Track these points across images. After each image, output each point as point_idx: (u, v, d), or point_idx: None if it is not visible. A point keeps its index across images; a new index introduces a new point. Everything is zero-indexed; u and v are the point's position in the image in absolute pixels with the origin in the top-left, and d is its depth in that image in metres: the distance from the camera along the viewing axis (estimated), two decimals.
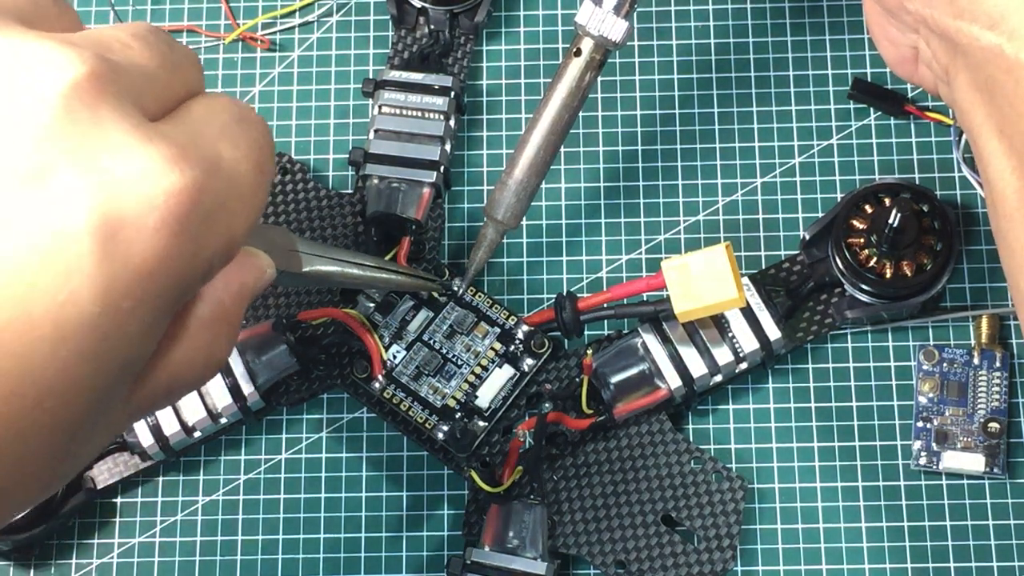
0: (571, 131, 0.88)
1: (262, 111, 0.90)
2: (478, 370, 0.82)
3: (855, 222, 0.82)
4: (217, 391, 0.81)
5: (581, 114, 0.89)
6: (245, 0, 0.93)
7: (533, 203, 0.87)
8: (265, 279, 0.57)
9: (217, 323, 0.51)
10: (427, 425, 0.82)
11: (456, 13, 0.89)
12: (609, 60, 0.90)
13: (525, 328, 0.83)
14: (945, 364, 0.83)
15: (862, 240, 0.81)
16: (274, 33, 0.92)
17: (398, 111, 0.86)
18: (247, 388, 0.81)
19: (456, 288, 0.83)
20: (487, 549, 0.79)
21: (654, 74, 0.90)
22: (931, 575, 0.81)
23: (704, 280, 0.77)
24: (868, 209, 0.82)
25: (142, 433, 0.81)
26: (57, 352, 0.44)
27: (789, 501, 0.82)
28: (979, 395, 0.82)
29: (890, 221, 0.79)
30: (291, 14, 0.92)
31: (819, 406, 0.84)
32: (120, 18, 0.92)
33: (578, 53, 0.79)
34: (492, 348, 0.83)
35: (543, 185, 0.88)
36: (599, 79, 0.80)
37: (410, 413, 0.82)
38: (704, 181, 0.88)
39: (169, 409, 0.80)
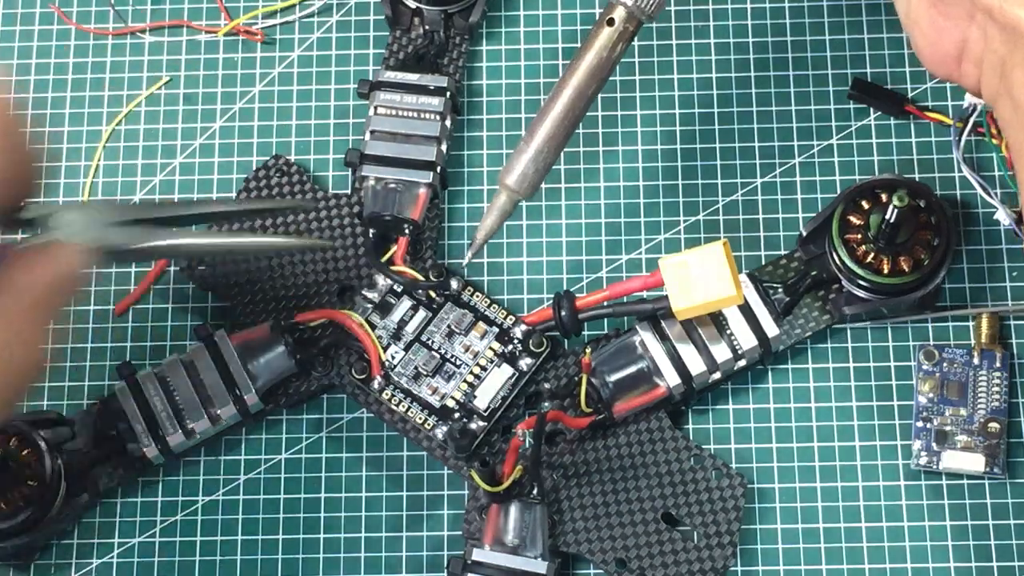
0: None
1: (262, 111, 0.90)
2: (477, 370, 0.82)
3: (852, 218, 0.82)
4: (216, 394, 0.81)
5: None
6: (245, 0, 0.93)
7: (533, 203, 0.87)
8: (71, 270, 0.57)
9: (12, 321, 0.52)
10: (426, 425, 0.82)
11: (451, 13, 0.89)
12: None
13: (523, 327, 0.83)
14: (945, 364, 0.83)
15: (859, 236, 0.81)
16: (273, 27, 0.92)
17: (394, 112, 0.86)
18: (246, 390, 0.81)
19: (456, 285, 0.83)
20: (487, 549, 0.79)
21: (654, 74, 0.90)
22: (931, 575, 0.81)
23: (702, 277, 0.77)
24: (865, 205, 0.82)
25: (141, 437, 0.81)
26: None
27: (789, 501, 0.82)
28: (979, 395, 0.82)
29: (887, 216, 0.79)
30: (287, 10, 0.92)
31: (819, 406, 0.84)
32: (121, 17, 0.92)
33: (611, 22, 0.78)
34: (491, 348, 0.83)
35: (543, 186, 0.88)
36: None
37: (409, 413, 0.82)
38: (704, 181, 0.88)
39: (169, 411, 0.80)
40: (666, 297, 0.78)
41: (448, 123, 0.86)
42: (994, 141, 0.85)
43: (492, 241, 0.87)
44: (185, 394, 0.81)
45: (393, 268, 0.83)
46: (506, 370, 0.82)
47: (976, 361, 0.83)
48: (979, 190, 0.86)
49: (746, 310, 0.81)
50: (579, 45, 0.79)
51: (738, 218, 0.87)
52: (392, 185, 0.85)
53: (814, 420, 0.83)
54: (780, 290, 0.83)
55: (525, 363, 0.82)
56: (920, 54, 0.73)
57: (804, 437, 0.83)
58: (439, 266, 0.84)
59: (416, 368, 0.82)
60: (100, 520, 0.83)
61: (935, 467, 0.81)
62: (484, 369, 0.82)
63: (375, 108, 0.86)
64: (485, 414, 0.81)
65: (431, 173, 0.84)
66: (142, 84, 0.91)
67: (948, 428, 0.82)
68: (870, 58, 0.90)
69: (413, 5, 0.89)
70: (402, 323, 0.83)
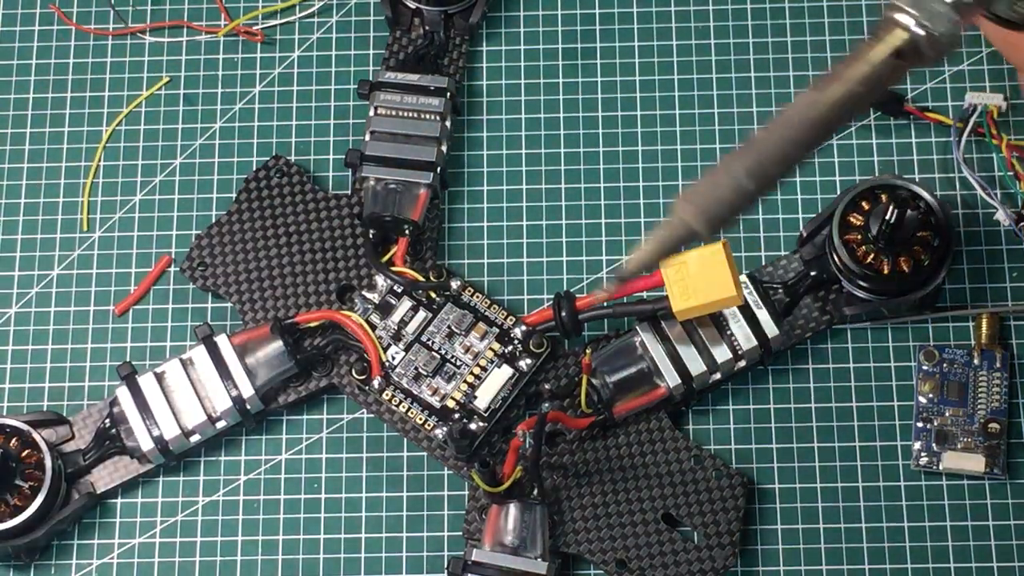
0: (571, 131, 0.89)
1: (262, 111, 0.90)
2: (477, 370, 0.82)
3: (852, 219, 0.82)
4: (216, 394, 0.81)
5: (581, 114, 0.89)
6: (245, 1, 0.93)
7: (532, 203, 0.87)
8: None
9: None
10: (426, 426, 0.81)
11: (451, 14, 0.89)
12: (606, 60, 0.90)
13: (523, 328, 0.83)
14: (945, 364, 0.83)
15: (859, 236, 0.81)
16: (273, 27, 0.92)
17: (394, 112, 0.86)
18: (246, 391, 0.81)
19: (456, 285, 0.83)
20: (487, 549, 0.79)
21: (654, 74, 0.90)
22: (931, 575, 0.81)
23: (702, 278, 0.77)
24: (865, 206, 0.82)
25: (141, 437, 0.81)
26: None
27: (789, 501, 0.82)
28: (979, 395, 0.82)
29: (887, 217, 0.79)
30: (287, 11, 0.92)
31: (819, 406, 0.84)
32: (121, 17, 0.92)
33: (900, 55, 0.62)
34: (491, 348, 0.82)
35: (543, 186, 0.88)
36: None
37: (409, 414, 0.82)
38: None
39: (168, 412, 0.81)
40: (666, 297, 0.78)
41: (448, 124, 0.86)
42: (994, 141, 0.85)
43: (492, 241, 0.87)
44: (185, 394, 0.81)
45: (393, 269, 0.83)
46: (506, 370, 0.82)
47: (976, 361, 0.83)
48: (979, 190, 0.86)
49: (746, 310, 0.81)
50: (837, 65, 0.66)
51: (738, 218, 0.87)
52: (392, 186, 0.85)
53: (814, 420, 0.83)
54: (780, 290, 0.83)
55: (525, 363, 0.82)
56: None
57: (804, 437, 0.83)
58: (439, 267, 0.84)
59: (416, 369, 0.82)
60: (100, 520, 0.83)
61: (935, 468, 0.81)
62: (484, 369, 0.82)
63: (375, 108, 0.86)
64: (485, 414, 0.81)
65: (431, 174, 0.84)
66: (142, 84, 0.91)
67: (948, 428, 0.82)
68: None
69: (413, 5, 0.89)
70: (402, 324, 0.83)
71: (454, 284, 0.83)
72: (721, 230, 0.64)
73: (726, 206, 0.63)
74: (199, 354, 0.82)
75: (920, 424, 0.82)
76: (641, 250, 0.65)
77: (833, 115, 0.62)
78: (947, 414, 0.82)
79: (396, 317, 0.83)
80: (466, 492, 0.82)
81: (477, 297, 0.83)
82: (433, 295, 0.83)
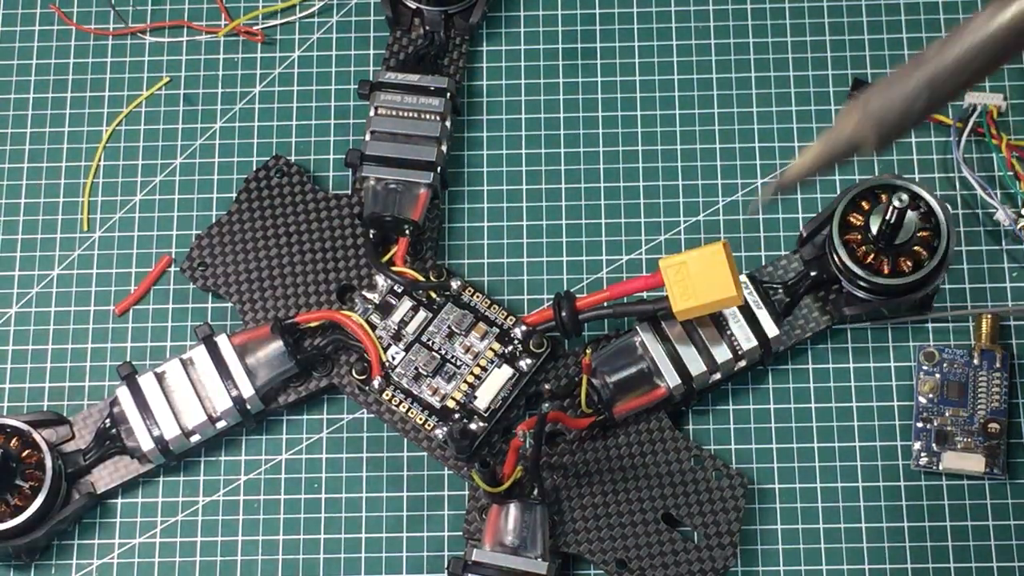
0: (571, 131, 0.89)
1: (262, 111, 0.90)
2: (477, 370, 0.82)
3: (852, 219, 0.82)
4: (216, 394, 0.81)
5: (581, 114, 0.89)
6: (245, 1, 0.93)
7: (532, 203, 0.87)
8: None
9: None
10: (427, 426, 0.81)
11: (451, 14, 0.89)
12: (606, 60, 0.90)
13: (523, 328, 0.83)
14: (945, 364, 0.83)
15: (860, 236, 0.81)
16: (273, 27, 0.92)
17: (394, 112, 0.86)
18: (247, 391, 0.81)
19: (456, 285, 0.83)
20: (487, 549, 0.79)
21: (654, 74, 0.90)
22: (931, 575, 0.81)
23: (702, 278, 0.77)
24: (865, 206, 0.82)
25: (142, 437, 0.81)
26: None
27: (789, 501, 0.82)
28: (979, 396, 0.82)
29: (887, 217, 0.79)
30: (287, 11, 0.92)
31: (819, 406, 0.84)
32: (121, 17, 0.92)
33: None
34: (491, 348, 0.82)
35: (543, 186, 0.88)
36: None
37: (410, 414, 0.82)
38: (704, 181, 0.88)
39: (168, 412, 0.80)
40: (666, 298, 0.78)
41: (448, 124, 0.86)
42: (994, 141, 0.86)
43: (492, 241, 0.87)
44: (185, 394, 0.81)
45: (394, 269, 0.83)
46: (506, 370, 0.82)
47: (976, 362, 0.83)
48: (979, 190, 0.86)
49: (746, 311, 0.81)
50: None
51: (738, 218, 0.87)
52: (392, 185, 0.85)
53: (814, 420, 0.83)
54: (780, 291, 0.83)
55: (525, 363, 0.82)
56: None
57: (804, 437, 0.83)
58: (439, 267, 0.84)
59: (416, 369, 0.82)
60: (100, 520, 0.83)
61: (935, 468, 0.81)
62: (484, 370, 0.82)
63: (375, 109, 0.86)
64: (485, 415, 0.81)
65: (431, 174, 0.84)
66: (142, 84, 0.91)
67: (948, 429, 0.82)
68: (870, 58, 0.90)
69: (413, 6, 0.89)
70: (402, 324, 0.83)
71: (454, 284, 0.83)
72: (890, 144, 0.60)
73: (898, 118, 0.59)
74: (199, 354, 0.82)
75: (920, 424, 0.82)
76: (803, 158, 0.61)
77: (1004, 39, 0.58)
78: (947, 414, 0.82)
79: (396, 317, 0.83)
80: (466, 492, 0.82)
81: (477, 297, 0.83)
82: (433, 295, 0.83)
